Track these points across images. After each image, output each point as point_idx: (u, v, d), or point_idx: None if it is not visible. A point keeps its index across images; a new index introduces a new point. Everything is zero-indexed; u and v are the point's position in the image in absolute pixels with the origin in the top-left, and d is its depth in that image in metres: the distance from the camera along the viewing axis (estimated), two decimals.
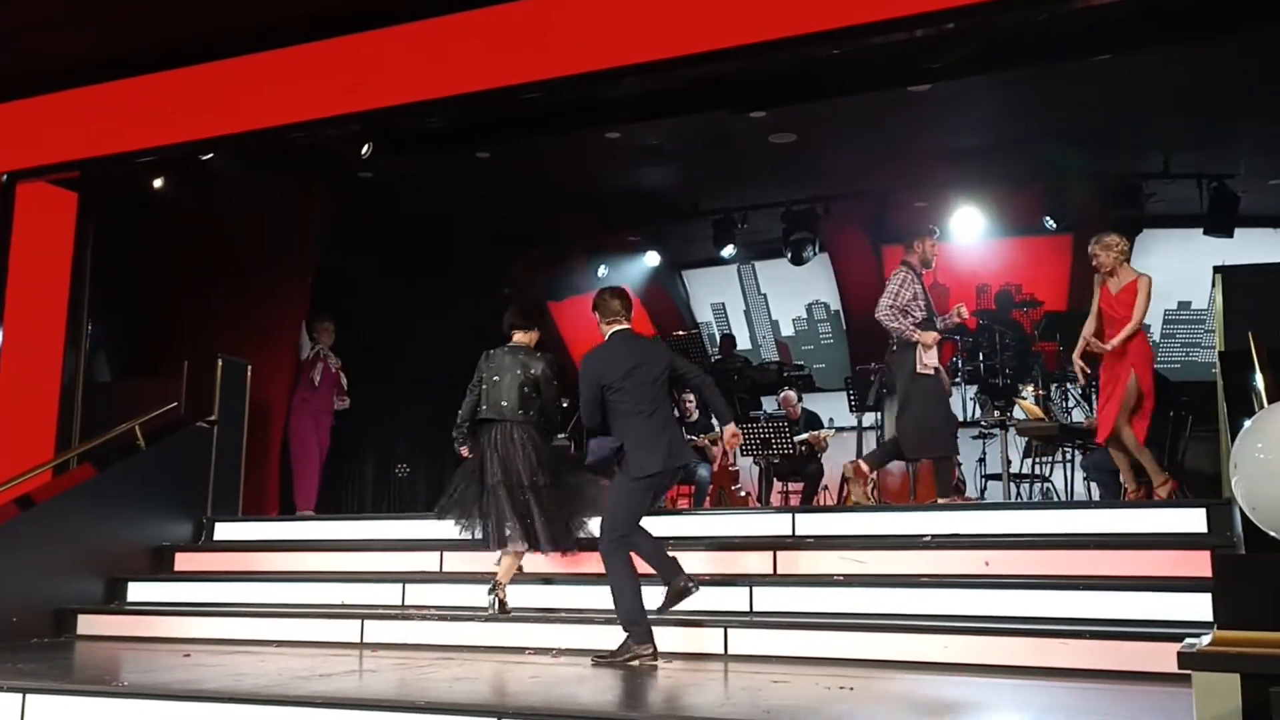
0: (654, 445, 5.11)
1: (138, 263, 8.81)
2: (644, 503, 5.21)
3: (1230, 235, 9.40)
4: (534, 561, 6.11)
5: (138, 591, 6.81)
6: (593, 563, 6.17)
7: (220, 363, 7.75)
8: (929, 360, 6.42)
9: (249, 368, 7.97)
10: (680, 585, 5.02)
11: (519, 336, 6.01)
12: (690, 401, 9.00)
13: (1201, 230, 9.53)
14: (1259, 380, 4.33)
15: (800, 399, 9.73)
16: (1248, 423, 3.02)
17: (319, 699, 4.07)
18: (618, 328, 5.37)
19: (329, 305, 8.72)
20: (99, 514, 6.90)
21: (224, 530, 7.45)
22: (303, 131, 7.51)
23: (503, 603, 5.57)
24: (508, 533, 5.64)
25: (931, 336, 6.54)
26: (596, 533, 5.46)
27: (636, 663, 4.83)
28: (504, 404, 5.76)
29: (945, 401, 6.52)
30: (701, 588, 5.09)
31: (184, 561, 7.15)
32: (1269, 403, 3.87)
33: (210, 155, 7.92)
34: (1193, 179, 9.60)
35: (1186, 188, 9.66)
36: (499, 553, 5.73)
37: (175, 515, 7.37)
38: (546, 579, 5.96)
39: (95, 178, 8.32)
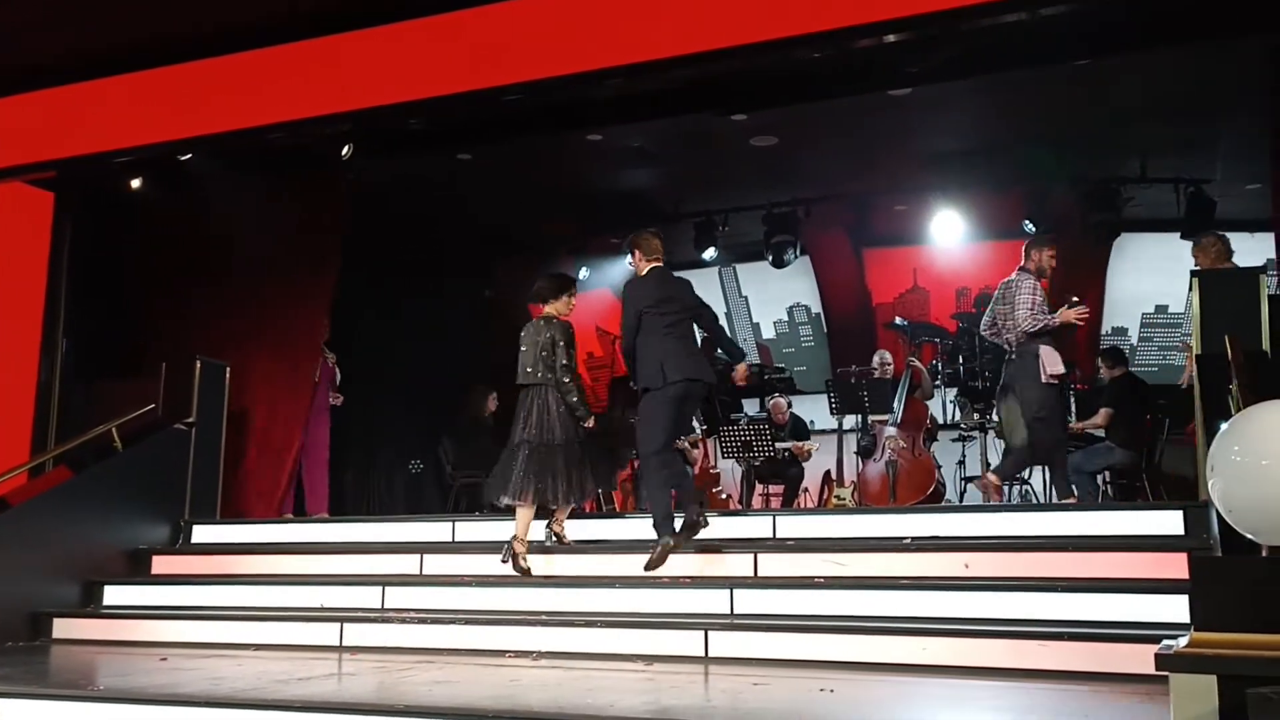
0: (679, 360, 5.80)
1: (115, 263, 8.73)
2: (672, 416, 5.85)
3: None
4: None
5: (114, 595, 6.74)
6: (572, 565, 6.17)
7: (198, 364, 7.68)
8: (1054, 369, 6.42)
9: (227, 369, 7.91)
10: (692, 518, 5.68)
11: (545, 308, 6.43)
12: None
13: (1179, 234, 9.60)
14: (1235, 383, 4.36)
15: (790, 405, 9.76)
16: (1224, 425, 3.04)
17: (297, 703, 4.05)
18: (656, 265, 6.11)
19: None
20: (75, 517, 6.84)
21: (201, 533, 7.39)
22: (283, 132, 7.47)
23: (517, 557, 5.94)
24: (520, 488, 6.02)
25: (1075, 312, 6.59)
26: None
27: (669, 551, 5.56)
28: (528, 369, 6.26)
29: (1063, 410, 6.57)
30: (707, 524, 5.69)
31: (161, 564, 7.09)
32: (1245, 406, 3.90)
33: (189, 155, 7.87)
34: (1170, 183, 9.68)
35: (1164, 192, 9.73)
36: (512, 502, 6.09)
37: (152, 518, 7.31)
38: (525, 581, 5.94)
39: (72, 178, 8.25)
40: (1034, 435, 6.55)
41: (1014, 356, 6.64)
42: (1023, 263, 6.73)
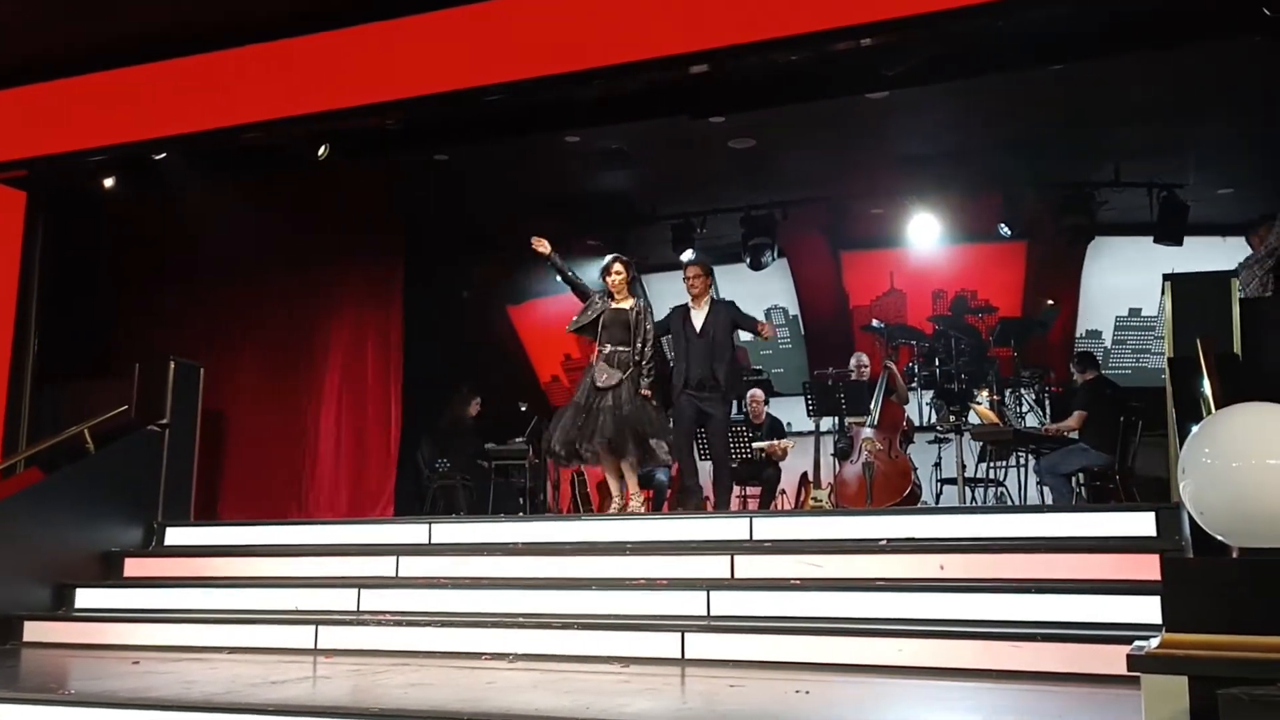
0: None
1: (88, 263, 8.66)
2: None
3: (1180, 243, 9.57)
4: (503, 565, 6.11)
5: (86, 598, 6.67)
6: (549, 567, 6.16)
7: (172, 365, 7.61)
8: None
9: (202, 370, 7.84)
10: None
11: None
12: None
13: (1152, 238, 9.69)
14: (1206, 386, 4.40)
15: (767, 402, 9.76)
16: (1195, 428, 3.07)
17: (271, 706, 4.02)
18: None
19: None
20: (47, 519, 6.76)
21: (175, 535, 7.32)
22: (258, 132, 7.43)
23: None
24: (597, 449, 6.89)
25: None
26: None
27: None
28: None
29: None
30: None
31: (134, 567, 7.02)
32: (1216, 408, 3.93)
33: (163, 155, 7.81)
34: (1143, 188, 9.76)
35: (1137, 196, 9.81)
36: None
37: (125, 520, 7.23)
38: (502, 584, 5.93)
39: (44, 176, 8.18)
40: None
41: None
42: (1253, 247, 6.73)
